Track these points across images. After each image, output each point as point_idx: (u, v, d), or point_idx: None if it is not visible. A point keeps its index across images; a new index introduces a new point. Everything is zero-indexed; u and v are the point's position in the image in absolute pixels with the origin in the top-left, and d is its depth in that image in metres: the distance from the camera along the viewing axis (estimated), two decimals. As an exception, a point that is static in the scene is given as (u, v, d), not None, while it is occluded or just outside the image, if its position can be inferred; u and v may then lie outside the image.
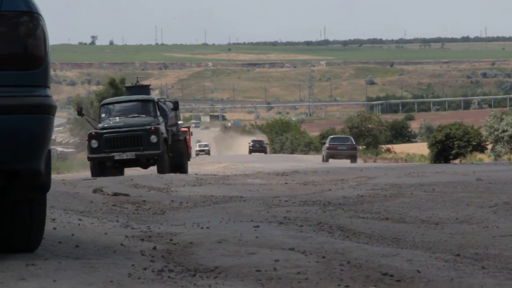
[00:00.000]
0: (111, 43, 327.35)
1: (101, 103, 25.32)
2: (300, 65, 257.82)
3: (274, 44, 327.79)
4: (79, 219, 7.73)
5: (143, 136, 23.07)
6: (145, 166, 24.05)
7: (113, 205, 9.92)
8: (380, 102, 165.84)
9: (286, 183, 14.69)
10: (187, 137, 70.90)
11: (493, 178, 12.99)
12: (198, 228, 7.23)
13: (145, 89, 26.63)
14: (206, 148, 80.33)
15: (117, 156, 22.97)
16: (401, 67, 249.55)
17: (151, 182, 15.15)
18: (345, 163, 42.28)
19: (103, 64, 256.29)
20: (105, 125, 23.63)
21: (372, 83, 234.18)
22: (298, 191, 12.34)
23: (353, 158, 45.95)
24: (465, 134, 45.56)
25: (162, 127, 23.42)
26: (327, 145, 47.69)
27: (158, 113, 24.19)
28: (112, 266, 5.06)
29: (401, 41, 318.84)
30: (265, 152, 78.82)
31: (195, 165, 38.23)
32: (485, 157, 44.58)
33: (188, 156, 73.62)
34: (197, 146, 79.17)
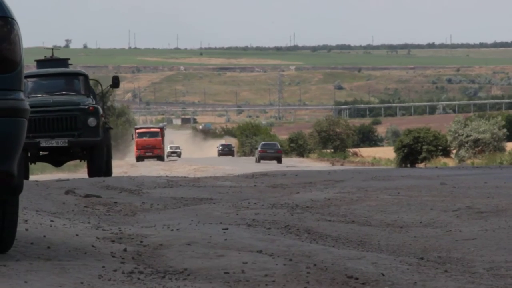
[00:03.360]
0: (85, 46, 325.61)
1: None
2: (270, 70, 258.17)
3: (245, 49, 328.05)
4: (51, 220, 7.78)
5: (78, 117, 18.64)
6: (77, 157, 19.60)
7: (85, 207, 9.97)
8: (348, 106, 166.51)
9: (255, 185, 14.79)
10: (159, 138, 70.15)
11: (456, 182, 13.16)
12: (168, 230, 7.32)
13: (63, 65, 21.19)
14: (178, 150, 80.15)
15: (44, 142, 18.49)
16: (368, 73, 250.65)
17: (122, 183, 15.17)
18: (312, 166, 42.54)
19: (77, 67, 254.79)
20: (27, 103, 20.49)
21: (340, 88, 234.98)
22: (267, 194, 12.45)
23: (279, 160, 56.01)
24: (435, 139, 46.00)
25: (100, 109, 19.16)
26: (259, 149, 58.16)
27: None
28: (83, 268, 5.14)
29: (368, 47, 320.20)
30: (233, 155, 79.56)
31: (167, 166, 38.23)
32: (450, 161, 45.02)
33: (162, 158, 71.29)
34: (169, 148, 78.97)
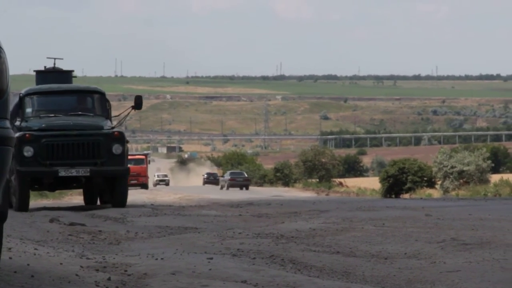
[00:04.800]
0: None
1: (24, 92, 17.49)
2: (256, 99, 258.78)
3: (231, 78, 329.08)
4: (35, 249, 7.75)
5: (102, 143, 16.48)
6: (96, 187, 17.73)
7: (69, 235, 9.94)
8: (333, 136, 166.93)
9: (240, 215, 14.78)
10: (144, 166, 69.81)
11: (441, 214, 13.19)
12: (152, 259, 7.30)
13: (67, 78, 18.91)
14: (166, 179, 79.86)
15: (63, 171, 16.28)
16: (354, 103, 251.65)
17: (107, 212, 15.14)
18: (296, 195, 42.58)
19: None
20: (43, 125, 16.61)
21: (326, 118, 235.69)
22: (252, 223, 12.44)
23: (246, 187, 61.04)
24: (419, 170, 46.16)
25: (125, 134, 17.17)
26: (228, 177, 63.32)
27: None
28: (67, 297, 5.12)
29: (355, 78, 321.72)
30: (218, 184, 79.64)
31: (152, 195, 38.12)
32: (435, 192, 45.15)
33: (146, 186, 70.18)
34: (156, 176, 78.63)
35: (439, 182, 47.05)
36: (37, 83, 18.44)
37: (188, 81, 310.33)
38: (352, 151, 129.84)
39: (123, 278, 6.16)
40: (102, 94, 17.75)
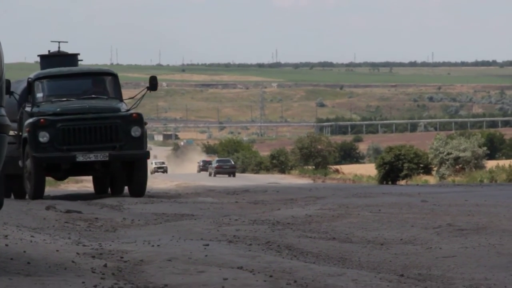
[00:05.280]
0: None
1: (33, 76, 16.97)
2: (252, 87, 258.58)
3: (227, 65, 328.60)
4: (32, 236, 7.76)
5: (120, 126, 15.89)
6: (114, 172, 16.72)
7: (66, 222, 9.95)
8: (329, 123, 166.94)
9: (236, 202, 14.80)
10: None
11: (437, 200, 13.22)
12: (149, 246, 7.31)
13: (72, 61, 18.23)
14: (164, 166, 79.82)
15: (81, 156, 15.68)
16: (350, 90, 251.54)
17: (103, 199, 15.16)
18: (292, 182, 42.63)
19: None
20: (57, 109, 16.13)
21: (322, 105, 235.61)
22: (248, 210, 12.46)
23: (233, 174, 62.35)
24: (416, 156, 46.23)
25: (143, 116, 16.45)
26: (215, 164, 64.63)
27: None
28: (63, 283, 5.12)
29: (351, 65, 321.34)
30: None
31: (148, 182, 38.11)
32: (431, 179, 45.22)
33: None
34: (154, 164, 78.56)
35: (435, 169, 47.13)
36: (42, 68, 17.90)
37: (184, 68, 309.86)
38: (348, 138, 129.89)
39: (119, 265, 6.17)
40: (114, 76, 17.15)
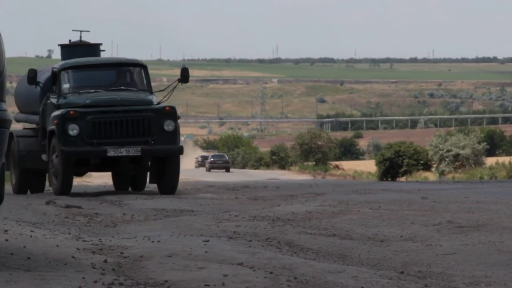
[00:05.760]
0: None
1: (59, 66, 16.17)
2: (253, 82, 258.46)
3: (228, 61, 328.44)
4: (31, 231, 7.77)
5: (152, 120, 15.22)
6: (143, 168, 15.88)
7: (66, 217, 9.96)
8: (330, 119, 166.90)
9: (236, 197, 14.80)
10: None
11: (437, 197, 13.21)
12: (149, 242, 7.31)
13: (95, 51, 17.43)
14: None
15: (112, 151, 14.97)
16: (351, 86, 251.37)
17: (103, 194, 15.16)
18: (293, 178, 42.66)
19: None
20: (87, 101, 15.40)
21: (322, 101, 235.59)
22: (248, 206, 12.46)
23: (227, 169, 63.94)
24: (415, 153, 46.26)
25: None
26: (210, 159, 66.90)
27: None
28: (63, 279, 5.12)
29: (351, 61, 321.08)
30: None
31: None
32: (431, 175, 45.23)
33: None
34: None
35: (435, 165, 47.15)
36: (63, 58, 17.11)
37: (184, 64, 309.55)
38: (349, 134, 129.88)
39: (119, 261, 6.17)
40: (143, 67, 16.41)
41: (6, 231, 7.36)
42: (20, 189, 16.50)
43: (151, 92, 16.08)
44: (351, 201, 12.63)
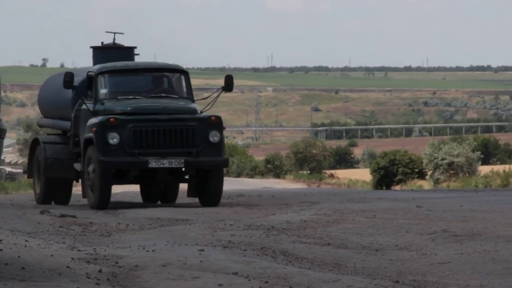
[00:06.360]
0: (62, 65, 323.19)
1: (96, 70, 15.13)
2: (247, 91, 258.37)
3: (222, 69, 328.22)
4: (26, 240, 7.75)
5: (196, 130, 14.29)
6: (184, 181, 14.89)
7: (60, 227, 9.94)
8: (324, 128, 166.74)
9: (231, 206, 14.78)
10: None
11: (432, 206, 13.20)
12: (143, 251, 7.30)
13: (129, 55, 16.35)
14: None
15: (154, 162, 13.93)
16: (345, 94, 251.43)
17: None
18: (287, 187, 42.65)
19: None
20: (128, 108, 14.41)
21: (317, 109, 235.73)
22: (243, 215, 12.44)
23: None
24: (410, 162, 46.31)
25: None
26: None
27: None
28: (58, 289, 5.12)
29: (346, 69, 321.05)
30: None
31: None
32: (425, 184, 45.25)
33: None
34: None
35: (429, 173, 47.20)
36: (95, 62, 16.07)
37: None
38: (343, 142, 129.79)
39: (114, 270, 6.16)
40: (185, 73, 15.50)
41: (1, 240, 7.34)
42: (44, 199, 15.56)
43: (193, 100, 15.20)
44: (346, 210, 12.63)
